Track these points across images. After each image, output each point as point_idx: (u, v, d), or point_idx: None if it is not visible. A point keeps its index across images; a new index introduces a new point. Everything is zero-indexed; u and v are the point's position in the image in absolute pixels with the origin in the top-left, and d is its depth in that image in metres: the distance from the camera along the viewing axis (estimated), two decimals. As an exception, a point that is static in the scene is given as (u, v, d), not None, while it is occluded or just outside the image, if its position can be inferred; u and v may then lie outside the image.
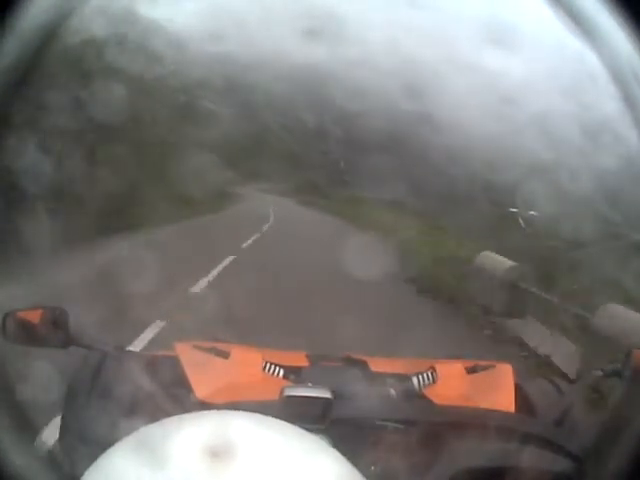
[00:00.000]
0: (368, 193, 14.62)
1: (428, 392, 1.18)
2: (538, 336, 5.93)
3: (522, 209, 7.26)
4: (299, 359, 1.31)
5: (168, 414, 0.97)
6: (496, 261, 7.00)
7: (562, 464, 0.95)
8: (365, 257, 5.99)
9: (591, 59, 0.73)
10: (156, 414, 0.98)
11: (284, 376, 1.22)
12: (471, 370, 1.27)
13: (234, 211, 18.22)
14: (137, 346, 4.05)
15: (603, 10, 0.70)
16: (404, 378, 1.22)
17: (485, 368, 1.27)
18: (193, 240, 10.70)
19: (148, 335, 4.81)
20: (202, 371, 1.14)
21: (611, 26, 0.70)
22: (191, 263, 8.16)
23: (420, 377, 1.22)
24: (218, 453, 0.66)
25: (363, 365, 1.30)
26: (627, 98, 0.72)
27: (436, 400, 1.12)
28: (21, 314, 1.10)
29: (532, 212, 7.18)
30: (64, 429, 1.13)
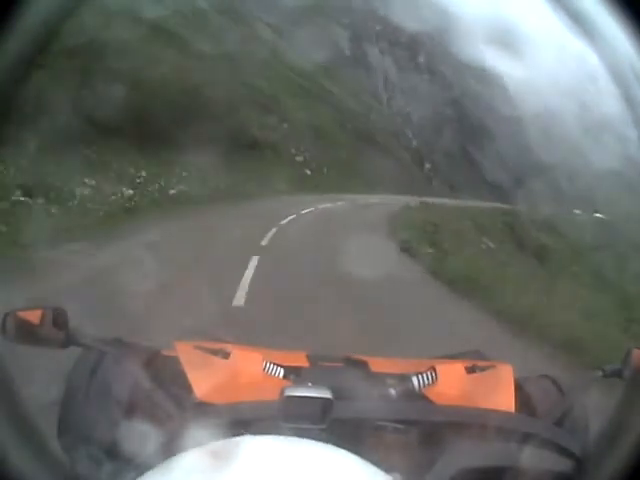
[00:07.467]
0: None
1: (428, 392, 1.18)
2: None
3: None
4: (299, 359, 1.31)
5: (167, 413, 0.97)
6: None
7: (562, 464, 0.94)
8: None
9: (591, 59, 0.73)
10: (155, 413, 0.98)
11: (284, 376, 1.22)
12: (471, 370, 1.27)
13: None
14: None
15: (603, 10, 0.70)
16: (404, 378, 1.22)
17: (485, 368, 1.27)
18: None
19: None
20: (202, 370, 1.14)
21: (611, 26, 0.70)
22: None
23: (420, 377, 1.22)
24: (219, 454, 0.66)
25: (363, 365, 1.30)
26: (627, 98, 0.72)
27: (436, 400, 1.12)
28: (21, 314, 1.10)
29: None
30: (63, 428, 1.13)
